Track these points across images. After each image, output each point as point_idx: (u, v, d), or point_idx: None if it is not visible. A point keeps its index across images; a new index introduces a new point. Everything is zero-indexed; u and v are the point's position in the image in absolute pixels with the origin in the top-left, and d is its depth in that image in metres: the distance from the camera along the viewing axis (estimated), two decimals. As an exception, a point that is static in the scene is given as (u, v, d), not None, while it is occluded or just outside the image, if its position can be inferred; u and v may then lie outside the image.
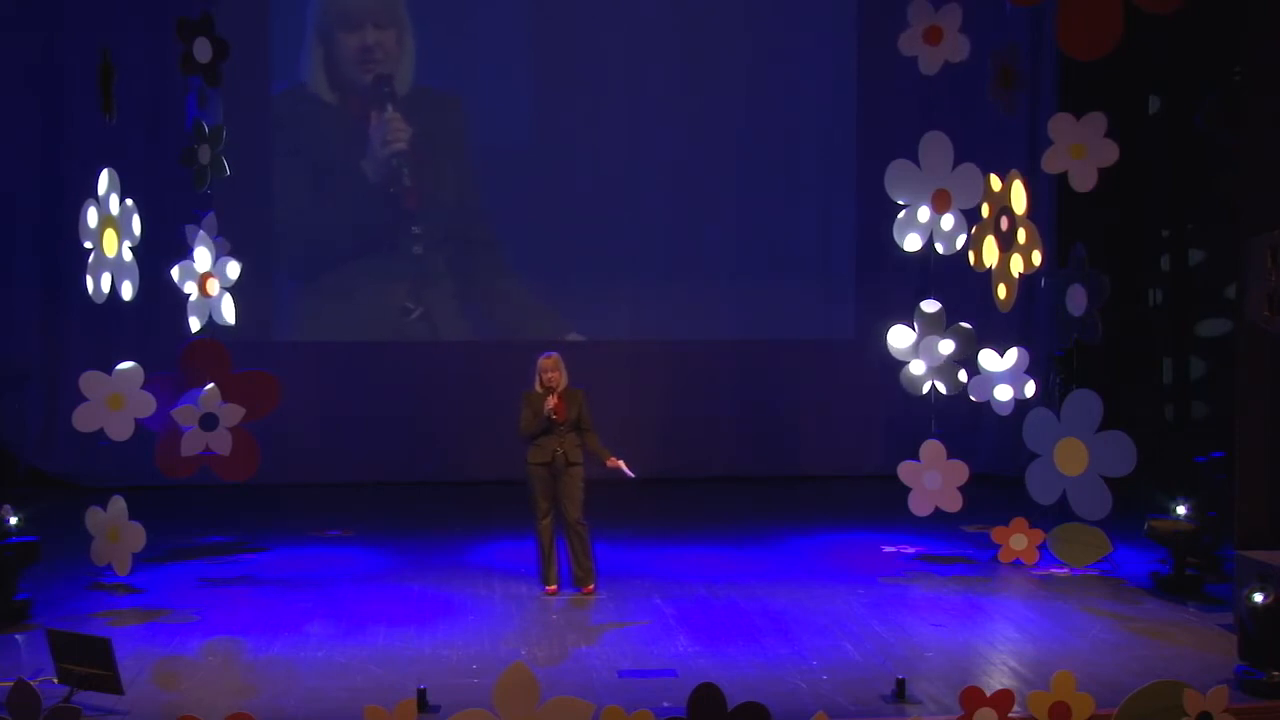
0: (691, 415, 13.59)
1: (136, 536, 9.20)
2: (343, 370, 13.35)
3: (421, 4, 13.45)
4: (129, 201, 9.26)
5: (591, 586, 9.13)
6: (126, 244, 9.25)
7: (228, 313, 9.96)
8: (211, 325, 9.93)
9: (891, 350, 10.43)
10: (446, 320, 13.64)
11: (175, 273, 9.85)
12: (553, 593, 9.12)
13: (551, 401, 8.94)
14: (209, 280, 9.88)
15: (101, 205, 9.13)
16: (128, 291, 9.29)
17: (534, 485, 9.07)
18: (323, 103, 13.41)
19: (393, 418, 13.34)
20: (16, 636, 8.15)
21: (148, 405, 9.34)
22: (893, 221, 10.26)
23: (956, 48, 10.01)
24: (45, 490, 12.38)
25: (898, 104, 13.10)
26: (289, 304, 13.44)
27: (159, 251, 9.94)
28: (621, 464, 9.06)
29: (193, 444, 9.66)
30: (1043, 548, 9.99)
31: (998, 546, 10.14)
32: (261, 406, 10.00)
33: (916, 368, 10.36)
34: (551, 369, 9.02)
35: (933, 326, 10.28)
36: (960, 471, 10.28)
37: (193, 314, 9.84)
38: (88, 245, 9.13)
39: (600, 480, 9.31)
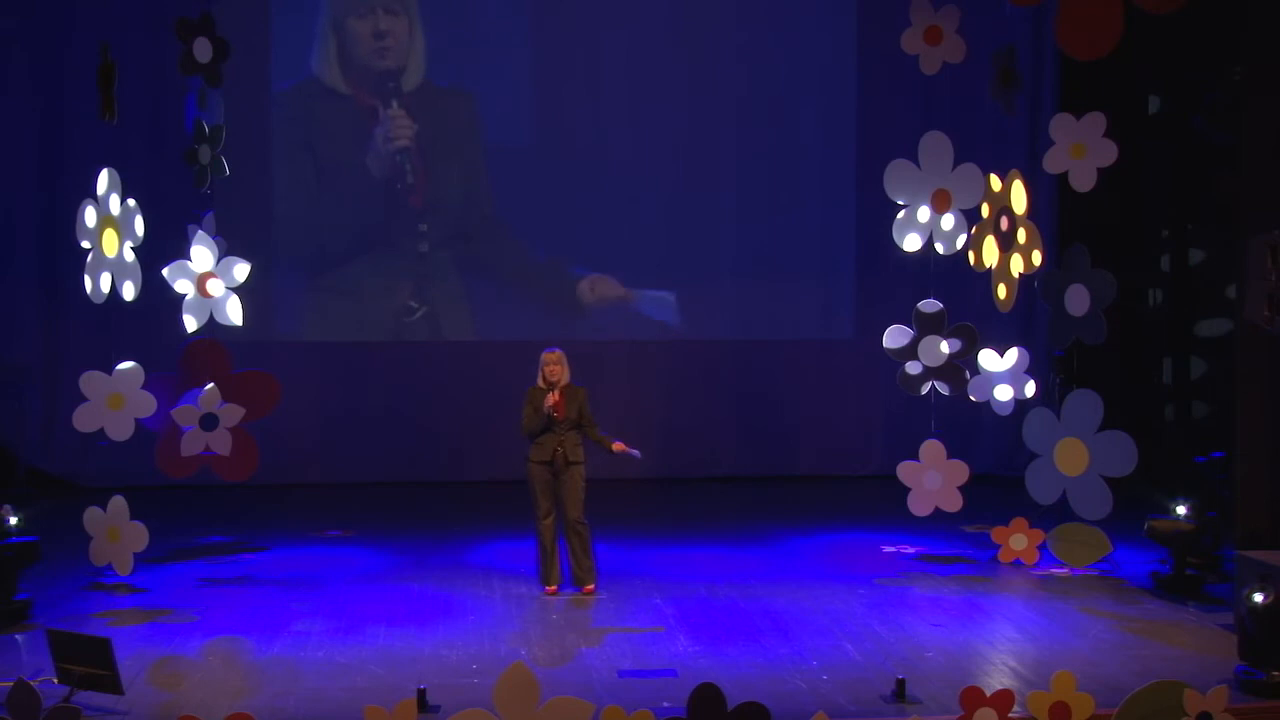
0: (691, 415, 13.59)
1: (139, 536, 9.21)
2: (343, 370, 13.36)
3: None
4: (131, 202, 9.25)
5: (591, 586, 9.13)
6: (128, 244, 9.24)
7: (234, 313, 9.87)
8: (213, 325, 9.89)
9: (886, 351, 10.42)
10: (447, 319, 13.64)
11: (166, 272, 9.78)
12: (553, 593, 9.12)
13: (551, 398, 8.93)
14: (209, 280, 9.82)
15: (101, 205, 9.13)
16: (129, 292, 9.28)
17: (534, 484, 9.05)
18: (334, 95, 13.38)
19: (393, 418, 13.35)
20: (16, 636, 8.14)
21: (148, 405, 9.34)
22: (892, 221, 10.25)
23: (954, 49, 10.02)
24: (45, 490, 12.39)
25: (898, 104, 13.12)
26: (289, 304, 13.41)
27: (160, 252, 9.91)
28: (625, 447, 9.00)
29: (193, 444, 9.65)
30: (1043, 548, 10.00)
31: (998, 546, 10.15)
32: (261, 406, 10.00)
33: (913, 368, 10.36)
34: (554, 363, 9.00)
35: (932, 326, 10.27)
36: (960, 471, 10.28)
37: (188, 314, 9.76)
38: (85, 245, 9.13)
39: (601, 480, 9.30)
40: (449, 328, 13.64)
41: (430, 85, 13.44)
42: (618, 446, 9.02)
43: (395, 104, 13.36)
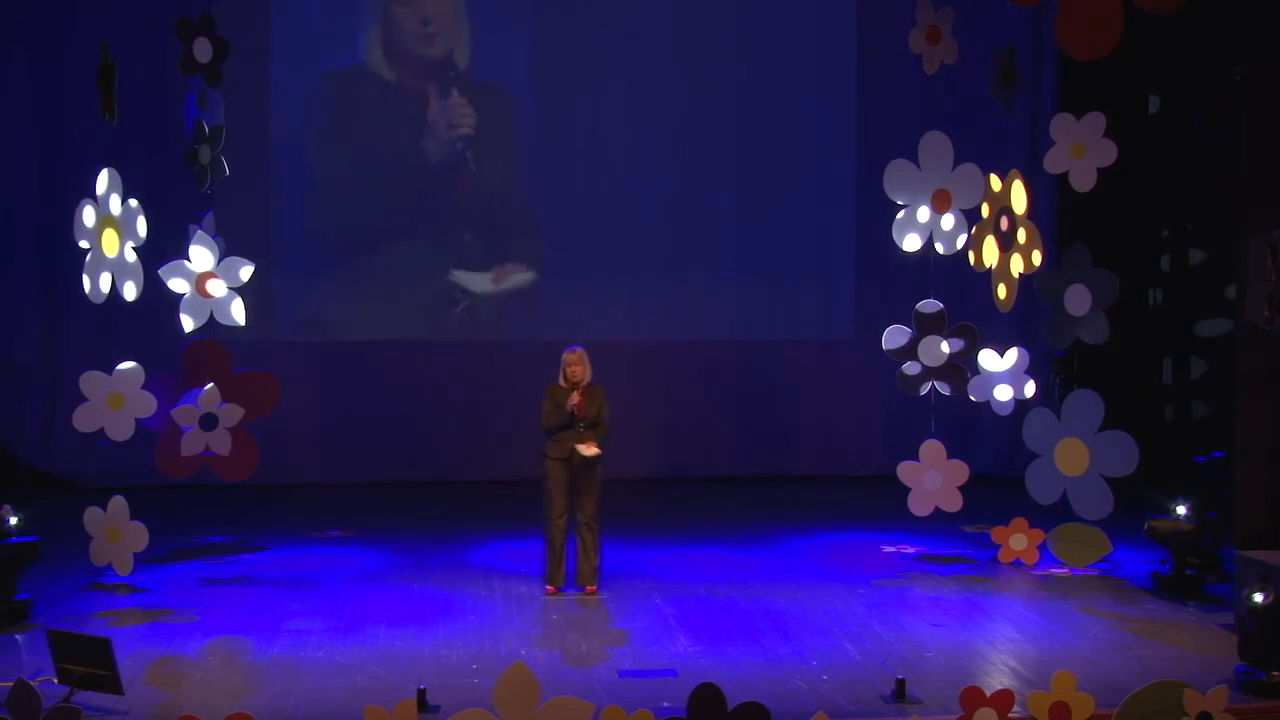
0: (691, 415, 13.60)
1: (139, 536, 9.20)
2: (343, 370, 13.35)
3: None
4: (133, 202, 9.22)
5: (593, 587, 9.13)
6: (129, 244, 9.22)
7: (238, 314, 9.78)
8: (213, 325, 9.85)
9: (885, 351, 10.41)
10: (454, 317, 13.62)
11: (162, 271, 9.72)
12: (553, 593, 9.12)
13: (575, 398, 8.94)
14: (209, 280, 9.74)
15: (101, 205, 9.12)
16: (131, 292, 9.26)
17: (551, 482, 9.05)
18: (379, 82, 13.35)
19: (393, 418, 13.34)
20: (16, 636, 8.14)
21: (148, 405, 9.33)
22: (892, 221, 10.24)
23: (948, 49, 10.03)
24: (45, 490, 12.39)
25: (898, 104, 13.12)
26: (290, 303, 13.39)
27: (160, 252, 9.90)
28: (585, 448, 8.96)
29: (193, 444, 9.65)
30: (1043, 548, 10.00)
31: (998, 546, 10.15)
32: (261, 406, 9.99)
33: (911, 369, 10.35)
34: (575, 363, 9.01)
35: (932, 326, 10.26)
36: (960, 471, 10.28)
37: (185, 313, 9.68)
38: (83, 245, 9.11)
39: (608, 480, 9.28)
40: (449, 327, 13.61)
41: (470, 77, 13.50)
42: (584, 447, 8.97)
43: (455, 92, 13.36)
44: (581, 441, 8.98)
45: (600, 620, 8.63)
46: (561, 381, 9.04)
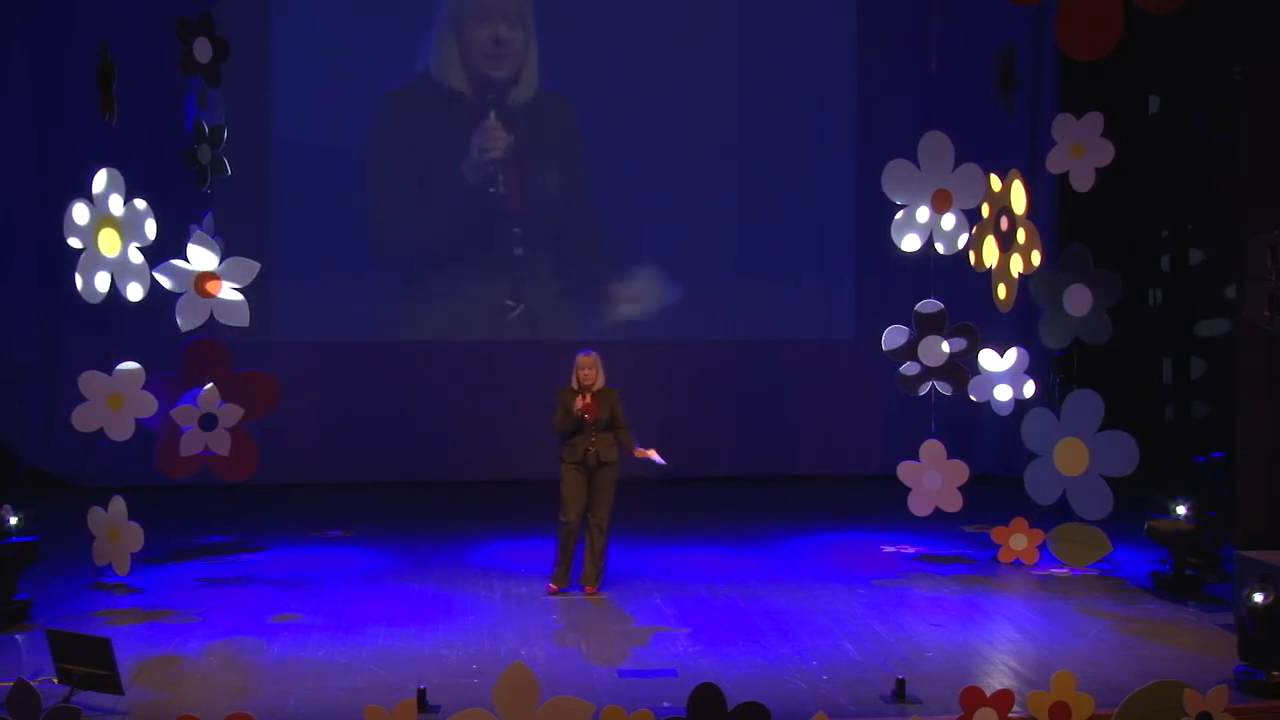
0: (691, 415, 13.58)
1: (136, 537, 9.21)
2: (343, 370, 13.35)
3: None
4: (142, 203, 9.18)
5: (593, 588, 9.14)
6: (134, 245, 9.20)
7: (243, 314, 9.64)
8: (212, 324, 9.83)
9: (885, 351, 10.40)
10: (454, 317, 13.61)
11: (155, 271, 9.66)
12: (554, 591, 9.12)
13: (581, 402, 8.94)
14: (209, 281, 9.68)
15: (99, 204, 9.11)
16: (136, 293, 9.24)
17: (566, 486, 9.06)
18: (447, 96, 13.38)
19: (393, 418, 13.34)
20: (16, 636, 8.15)
21: (148, 405, 9.33)
22: (892, 221, 10.23)
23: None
24: (45, 490, 12.39)
25: (898, 104, 13.12)
26: (290, 304, 13.37)
27: (161, 252, 9.88)
28: (652, 452, 9.12)
29: (193, 444, 9.65)
30: (1043, 548, 10.00)
31: (998, 546, 10.15)
32: (261, 406, 9.99)
33: (910, 369, 10.34)
34: (587, 368, 9.02)
35: (932, 327, 10.25)
36: (960, 471, 10.27)
37: (180, 313, 9.57)
38: (74, 244, 9.09)
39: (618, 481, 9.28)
40: (448, 328, 13.59)
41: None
42: (640, 452, 9.11)
43: (493, 115, 13.38)
44: (594, 444, 8.99)
45: (601, 620, 8.63)
46: (574, 384, 9.04)
